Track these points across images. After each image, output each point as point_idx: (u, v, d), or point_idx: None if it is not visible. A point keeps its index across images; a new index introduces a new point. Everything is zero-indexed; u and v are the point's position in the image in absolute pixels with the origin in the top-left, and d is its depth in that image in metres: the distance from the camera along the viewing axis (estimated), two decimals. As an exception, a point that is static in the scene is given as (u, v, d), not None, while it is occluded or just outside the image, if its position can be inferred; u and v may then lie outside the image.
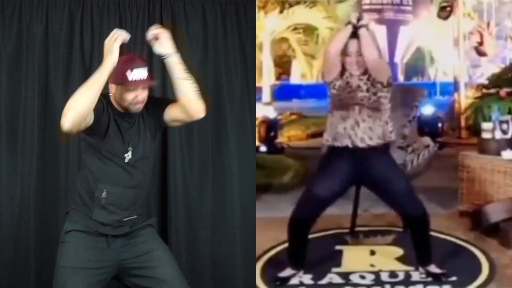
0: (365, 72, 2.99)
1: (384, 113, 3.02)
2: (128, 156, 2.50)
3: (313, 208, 3.08)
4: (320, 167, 3.09)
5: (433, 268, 3.16)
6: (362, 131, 2.98)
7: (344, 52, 2.99)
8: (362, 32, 2.93)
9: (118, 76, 2.42)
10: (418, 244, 3.18)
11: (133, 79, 2.42)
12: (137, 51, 3.51)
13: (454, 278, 3.12)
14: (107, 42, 2.36)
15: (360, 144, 2.98)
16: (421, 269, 3.19)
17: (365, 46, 2.93)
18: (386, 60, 3.24)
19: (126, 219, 2.52)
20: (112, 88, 2.46)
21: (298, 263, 3.20)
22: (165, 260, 2.57)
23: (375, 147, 2.99)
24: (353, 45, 2.96)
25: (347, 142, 2.99)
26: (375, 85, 2.98)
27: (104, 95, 2.44)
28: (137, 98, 2.45)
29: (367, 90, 2.99)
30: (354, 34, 2.95)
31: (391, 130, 3.06)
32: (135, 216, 2.55)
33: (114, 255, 2.51)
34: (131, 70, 2.42)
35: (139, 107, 2.49)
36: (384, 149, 3.03)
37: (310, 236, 3.74)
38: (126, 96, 2.44)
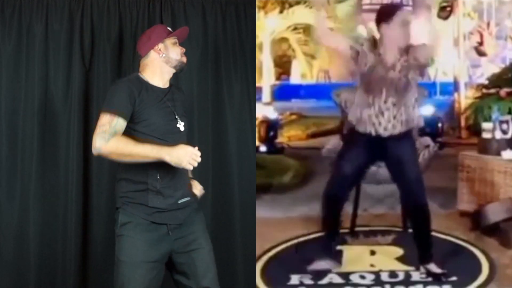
0: (405, 50, 3.00)
1: (411, 97, 3.03)
2: (181, 126, 2.57)
3: (341, 185, 3.12)
4: (344, 147, 3.18)
5: (433, 268, 3.16)
6: (387, 120, 3.01)
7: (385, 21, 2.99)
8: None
9: (163, 33, 2.62)
10: (419, 240, 3.18)
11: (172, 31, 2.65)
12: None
13: (454, 278, 3.12)
14: (187, 154, 2.35)
15: (384, 133, 3.02)
16: (421, 269, 3.19)
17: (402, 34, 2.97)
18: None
19: (182, 200, 2.54)
20: (159, 51, 2.57)
21: (329, 250, 3.21)
22: (206, 263, 2.60)
23: (397, 135, 3.03)
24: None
25: (370, 129, 3.04)
26: (412, 66, 2.99)
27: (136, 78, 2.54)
28: (182, 49, 2.64)
29: (400, 71, 3.00)
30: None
31: (419, 115, 3.09)
32: (188, 198, 2.58)
33: (170, 245, 2.51)
34: (168, 28, 2.70)
35: (185, 59, 2.64)
36: (407, 134, 3.07)
37: (310, 236, 3.76)
38: (176, 48, 2.61)
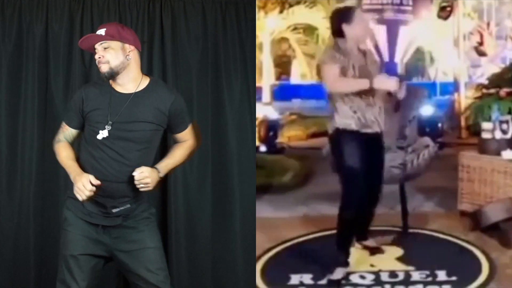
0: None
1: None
2: (107, 129, 2.49)
3: (363, 191, 3.04)
4: (345, 155, 3.03)
5: (370, 242, 3.45)
6: (382, 119, 3.07)
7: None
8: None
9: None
10: (363, 221, 3.35)
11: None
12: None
13: (454, 278, 3.12)
14: (77, 184, 2.39)
15: (378, 130, 3.06)
16: (357, 244, 3.43)
17: None
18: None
19: (117, 209, 2.53)
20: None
21: (345, 256, 3.17)
22: (151, 261, 2.56)
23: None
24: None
25: (376, 129, 3.05)
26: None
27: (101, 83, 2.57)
28: (96, 56, 2.53)
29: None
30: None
31: None
32: (128, 206, 2.55)
33: (108, 244, 2.55)
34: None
35: (102, 72, 2.52)
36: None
37: (310, 237, 3.76)
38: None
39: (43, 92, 3.52)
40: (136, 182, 2.45)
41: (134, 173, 2.44)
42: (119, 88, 2.55)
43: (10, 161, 3.49)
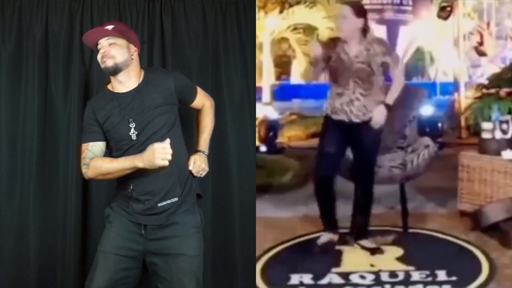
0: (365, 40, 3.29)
1: (376, 91, 3.31)
2: (132, 128, 2.51)
3: (328, 163, 3.37)
4: (322, 132, 3.46)
5: (367, 243, 3.50)
6: (357, 108, 3.30)
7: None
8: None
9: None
10: (359, 219, 3.50)
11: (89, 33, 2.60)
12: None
13: (454, 278, 3.12)
14: (156, 153, 2.38)
15: (355, 120, 3.31)
16: (355, 245, 3.52)
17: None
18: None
19: (161, 204, 2.53)
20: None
21: (331, 223, 3.51)
22: (183, 270, 2.54)
23: (366, 121, 3.31)
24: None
25: (343, 117, 3.33)
26: (374, 56, 3.26)
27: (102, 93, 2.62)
28: (101, 52, 2.54)
29: (363, 63, 3.27)
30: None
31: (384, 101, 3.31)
32: (170, 201, 2.54)
33: (144, 245, 2.55)
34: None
35: (104, 58, 2.54)
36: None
37: (310, 237, 3.76)
38: (99, 55, 2.56)
39: (43, 92, 3.52)
40: (195, 174, 2.63)
41: (190, 167, 2.61)
42: (120, 88, 2.56)
43: (10, 161, 3.49)
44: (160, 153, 2.37)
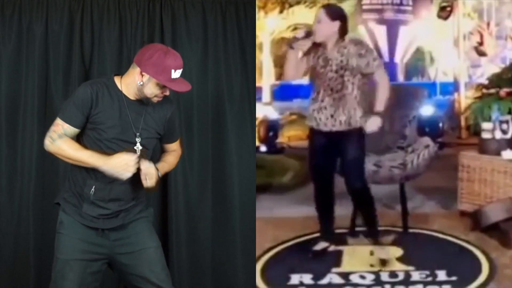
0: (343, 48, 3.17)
1: (348, 101, 3.17)
2: (138, 142, 2.48)
3: (317, 173, 3.40)
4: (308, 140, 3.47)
5: (382, 253, 3.37)
6: (325, 117, 3.21)
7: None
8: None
9: (160, 72, 2.38)
10: (364, 219, 3.43)
11: (174, 80, 2.41)
12: (137, 50, 3.49)
13: (454, 278, 3.12)
14: (120, 163, 2.38)
15: (324, 128, 3.23)
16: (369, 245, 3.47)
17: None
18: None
19: (117, 210, 2.52)
20: (141, 76, 2.41)
21: (327, 230, 3.49)
22: (154, 261, 2.56)
23: (341, 132, 3.20)
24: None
25: (313, 124, 3.29)
26: (350, 67, 3.14)
27: (107, 83, 2.47)
28: (164, 93, 2.47)
29: (336, 71, 3.16)
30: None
31: (361, 116, 3.19)
32: (127, 207, 2.54)
33: (108, 247, 2.53)
34: (175, 70, 2.42)
35: (158, 100, 2.49)
36: (352, 133, 3.21)
37: (310, 237, 3.76)
38: (154, 90, 2.43)
39: (43, 92, 3.52)
40: (142, 174, 2.44)
41: (142, 166, 2.44)
42: (129, 94, 2.50)
43: (10, 161, 3.49)
44: (125, 166, 2.38)
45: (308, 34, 3.12)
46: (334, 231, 3.53)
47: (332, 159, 3.33)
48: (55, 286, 2.49)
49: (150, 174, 2.46)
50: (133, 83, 2.45)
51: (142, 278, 2.53)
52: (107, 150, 2.44)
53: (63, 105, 2.51)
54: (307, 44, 3.14)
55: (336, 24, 3.13)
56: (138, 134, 2.48)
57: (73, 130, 2.44)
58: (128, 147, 2.46)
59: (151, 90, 2.43)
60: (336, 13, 3.15)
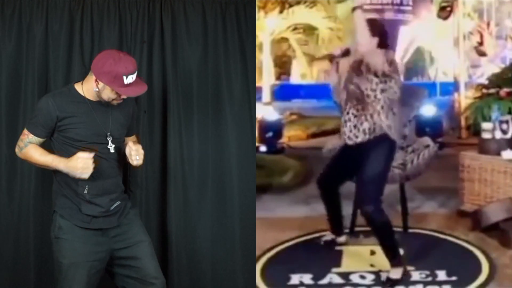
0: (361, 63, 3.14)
1: (370, 106, 3.14)
2: (110, 141, 2.62)
3: (331, 175, 3.43)
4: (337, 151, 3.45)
5: (394, 274, 3.11)
6: (349, 129, 3.21)
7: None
8: (356, 15, 3.06)
9: (112, 79, 2.50)
10: (380, 242, 3.17)
11: (128, 85, 2.52)
12: (137, 50, 3.51)
13: (454, 278, 3.12)
14: (78, 164, 2.48)
15: (349, 142, 3.24)
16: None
17: (358, 30, 3.07)
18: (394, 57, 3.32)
19: (113, 206, 2.64)
20: (96, 83, 2.55)
21: (337, 228, 3.62)
22: (149, 254, 2.72)
23: (363, 143, 3.17)
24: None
25: (342, 138, 3.29)
26: (367, 74, 3.10)
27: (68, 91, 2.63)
28: (118, 101, 2.61)
29: (354, 84, 3.16)
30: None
31: (385, 122, 3.16)
32: (119, 202, 2.68)
33: (107, 244, 2.63)
34: (127, 76, 2.52)
35: (118, 103, 2.63)
36: (373, 143, 3.16)
37: (310, 237, 3.77)
38: (111, 95, 2.57)
39: (43, 92, 3.50)
40: (133, 155, 2.60)
41: (132, 147, 2.60)
42: (89, 96, 2.63)
43: (10, 161, 3.49)
44: (83, 165, 2.48)
45: (346, 52, 3.19)
46: (342, 227, 3.65)
47: (343, 179, 3.39)
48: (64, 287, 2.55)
49: (140, 154, 2.63)
50: (90, 89, 2.60)
51: (139, 269, 2.65)
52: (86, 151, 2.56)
53: (31, 115, 2.69)
54: (345, 63, 3.20)
55: (375, 40, 3.13)
56: (108, 133, 2.61)
57: (37, 139, 2.62)
58: (101, 148, 2.59)
59: (108, 95, 2.57)
60: (377, 29, 3.15)
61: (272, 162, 5.88)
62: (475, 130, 5.78)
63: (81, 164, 2.47)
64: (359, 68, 3.13)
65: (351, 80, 3.17)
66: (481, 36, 8.56)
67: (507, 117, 4.26)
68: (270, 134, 6.96)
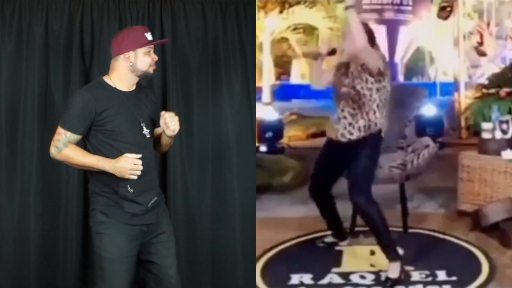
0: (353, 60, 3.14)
1: (366, 105, 3.14)
2: (144, 127, 2.60)
3: (321, 177, 3.41)
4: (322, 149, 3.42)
5: (393, 273, 3.12)
6: (343, 127, 3.17)
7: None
8: (350, 14, 3.02)
9: (137, 41, 2.56)
10: (374, 233, 3.22)
11: (152, 40, 2.60)
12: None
13: (454, 278, 3.12)
14: (128, 166, 2.47)
15: (342, 139, 3.18)
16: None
17: (353, 29, 3.03)
18: (385, 55, 3.32)
19: (151, 202, 2.62)
20: (127, 59, 2.56)
21: (338, 232, 3.63)
22: (173, 253, 2.73)
23: (357, 140, 3.16)
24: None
25: (332, 135, 3.25)
26: (362, 74, 3.09)
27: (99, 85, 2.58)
28: (155, 58, 2.62)
29: (347, 83, 3.15)
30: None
31: (380, 120, 3.16)
32: (156, 198, 2.66)
33: (142, 238, 2.63)
34: (147, 32, 2.61)
35: (155, 69, 2.65)
36: (366, 140, 3.17)
37: (310, 237, 3.77)
38: (146, 58, 2.58)
39: (43, 92, 3.51)
40: (168, 119, 2.57)
41: (165, 114, 2.59)
42: (121, 87, 2.60)
43: (10, 161, 3.49)
44: (131, 167, 2.47)
45: (333, 51, 3.18)
46: (344, 232, 3.66)
47: (334, 178, 3.38)
48: (107, 283, 2.56)
49: (175, 119, 2.60)
50: (124, 72, 2.59)
51: (161, 267, 2.67)
52: (121, 146, 2.52)
53: (64, 113, 2.58)
54: (333, 60, 3.22)
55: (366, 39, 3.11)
56: (142, 120, 2.59)
57: (75, 137, 2.52)
58: (138, 135, 2.57)
59: (143, 62, 2.58)
60: (365, 28, 3.13)
61: (272, 162, 5.88)
62: (475, 130, 5.79)
63: (131, 166, 2.45)
64: (348, 69, 3.16)
65: (342, 82, 3.17)
66: (481, 36, 8.57)
67: (507, 117, 4.26)
68: (270, 134, 6.95)
